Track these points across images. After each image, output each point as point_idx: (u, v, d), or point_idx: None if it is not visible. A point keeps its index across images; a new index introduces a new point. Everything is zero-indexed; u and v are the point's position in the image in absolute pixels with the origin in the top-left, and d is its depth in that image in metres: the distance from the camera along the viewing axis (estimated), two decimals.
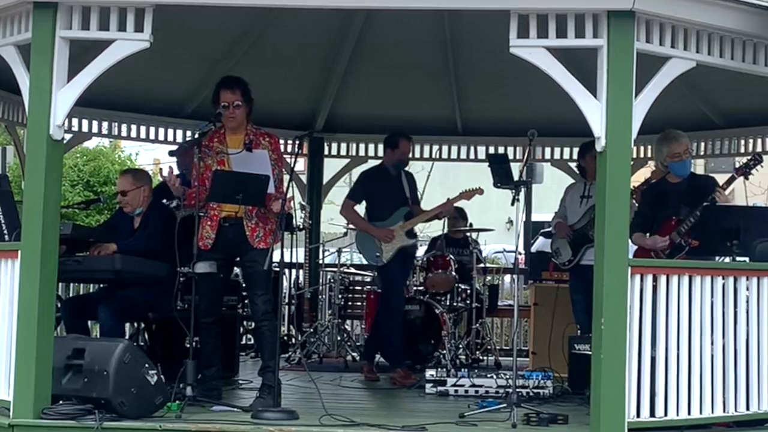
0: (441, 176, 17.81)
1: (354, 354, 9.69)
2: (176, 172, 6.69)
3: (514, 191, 6.40)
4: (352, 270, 10.88)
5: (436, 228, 9.43)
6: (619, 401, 5.53)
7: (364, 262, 9.43)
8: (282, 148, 10.31)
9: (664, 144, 6.73)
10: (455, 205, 8.61)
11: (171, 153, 8.42)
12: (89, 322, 7.11)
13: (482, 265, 9.99)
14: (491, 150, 10.45)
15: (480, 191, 8.25)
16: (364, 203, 8.49)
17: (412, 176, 8.61)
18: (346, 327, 10.50)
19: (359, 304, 10.34)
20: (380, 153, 10.75)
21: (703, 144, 9.95)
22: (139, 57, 5.86)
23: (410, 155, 8.61)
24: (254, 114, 6.66)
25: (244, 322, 9.60)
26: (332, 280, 10.20)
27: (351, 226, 9.42)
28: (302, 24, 8.33)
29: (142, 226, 6.99)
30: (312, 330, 9.81)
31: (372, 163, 11.39)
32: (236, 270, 8.32)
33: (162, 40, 5.92)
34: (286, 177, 6.47)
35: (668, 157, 6.70)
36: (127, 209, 7.09)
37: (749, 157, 6.83)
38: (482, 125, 10.49)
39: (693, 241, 6.48)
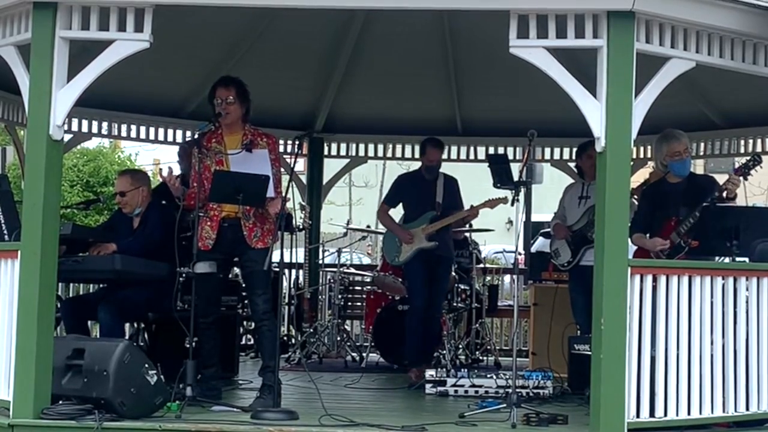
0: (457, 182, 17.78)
1: (354, 354, 9.70)
2: (176, 172, 6.70)
3: (513, 192, 6.41)
4: (352, 270, 10.88)
5: None
6: (618, 401, 5.53)
7: (364, 262, 9.46)
8: (282, 148, 10.42)
9: (664, 143, 6.73)
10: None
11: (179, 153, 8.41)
12: (89, 323, 7.11)
13: (482, 265, 9.98)
14: (491, 150, 10.45)
15: (505, 200, 8.21)
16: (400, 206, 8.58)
17: (452, 181, 8.55)
18: (346, 327, 10.50)
19: (359, 304, 10.35)
20: (380, 153, 10.88)
21: (703, 144, 9.95)
22: (139, 57, 5.86)
23: (439, 161, 8.51)
24: (254, 114, 6.66)
25: (244, 322, 9.60)
26: (332, 281, 10.20)
27: (374, 227, 9.47)
28: (302, 24, 8.32)
29: (142, 226, 6.99)
30: (312, 330, 9.81)
31: (372, 163, 11.44)
32: (236, 269, 8.34)
33: (162, 40, 5.92)
34: (285, 177, 6.47)
35: (668, 156, 6.70)
36: (126, 210, 7.10)
37: (748, 158, 6.83)
38: (482, 125, 10.50)
39: (693, 242, 6.48)
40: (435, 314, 8.54)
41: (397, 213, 8.65)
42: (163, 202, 6.99)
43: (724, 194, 6.47)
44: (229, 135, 6.53)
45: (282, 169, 6.71)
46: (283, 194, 6.38)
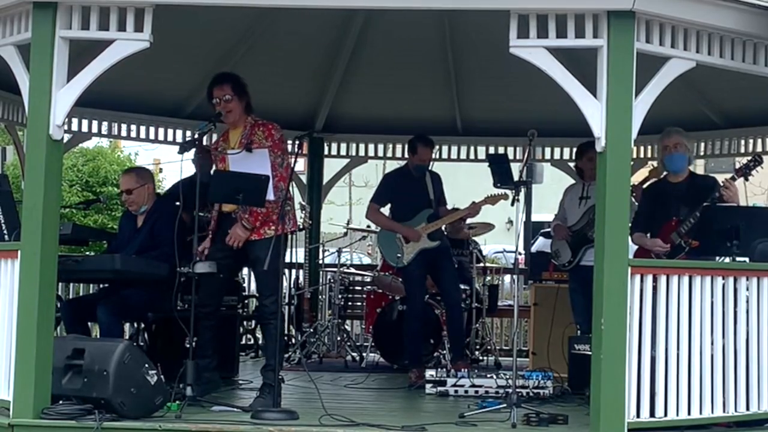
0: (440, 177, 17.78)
1: (354, 354, 9.69)
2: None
3: (514, 191, 6.40)
4: (352, 270, 10.88)
5: None
6: (619, 401, 5.53)
7: (364, 262, 9.41)
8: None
9: (660, 139, 6.82)
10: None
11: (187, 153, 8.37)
12: (89, 323, 7.10)
13: (482, 265, 9.98)
14: (491, 150, 10.45)
15: (505, 197, 8.15)
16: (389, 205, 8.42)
17: (437, 176, 8.46)
18: (346, 327, 10.50)
19: (359, 304, 10.35)
20: (380, 153, 10.87)
21: (703, 144, 9.94)
22: (139, 57, 5.86)
23: (431, 159, 8.42)
24: (255, 113, 6.66)
25: (244, 322, 9.61)
26: (332, 280, 10.20)
27: (373, 227, 9.37)
28: (302, 24, 8.33)
29: (147, 225, 6.98)
30: (312, 330, 9.81)
31: (372, 163, 11.40)
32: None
33: (162, 40, 5.92)
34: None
35: (661, 151, 6.78)
36: (133, 208, 7.12)
37: (749, 158, 6.83)
38: (482, 125, 10.50)
39: (693, 242, 6.48)
40: (457, 299, 8.41)
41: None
42: (177, 203, 6.92)
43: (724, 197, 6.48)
44: (233, 130, 6.58)
45: (281, 154, 6.63)
46: (289, 180, 6.36)
